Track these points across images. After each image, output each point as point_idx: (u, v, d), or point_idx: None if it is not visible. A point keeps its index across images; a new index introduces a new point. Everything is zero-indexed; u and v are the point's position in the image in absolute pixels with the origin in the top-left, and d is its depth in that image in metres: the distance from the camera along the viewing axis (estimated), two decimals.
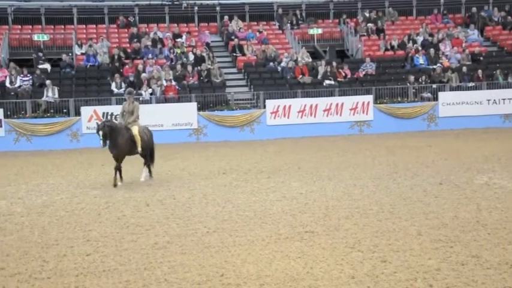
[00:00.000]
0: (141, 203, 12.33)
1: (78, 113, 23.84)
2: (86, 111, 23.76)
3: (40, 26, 30.17)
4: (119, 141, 14.35)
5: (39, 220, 11.04)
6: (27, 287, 7.39)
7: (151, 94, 25.13)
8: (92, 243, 9.27)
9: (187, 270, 7.81)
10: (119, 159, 14.53)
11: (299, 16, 32.45)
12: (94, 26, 31.08)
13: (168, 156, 20.28)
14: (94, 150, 22.20)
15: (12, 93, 24.36)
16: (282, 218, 10.58)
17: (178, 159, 19.56)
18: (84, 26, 30.91)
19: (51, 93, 24.35)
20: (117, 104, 24.25)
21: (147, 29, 30.48)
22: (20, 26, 29.93)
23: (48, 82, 24.63)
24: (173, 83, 25.76)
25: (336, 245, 8.78)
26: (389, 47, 30.03)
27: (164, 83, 25.64)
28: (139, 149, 14.72)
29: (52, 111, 23.99)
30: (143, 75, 25.88)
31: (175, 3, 32.54)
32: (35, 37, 28.29)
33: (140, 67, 26.47)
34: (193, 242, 9.20)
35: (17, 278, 7.70)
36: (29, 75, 25.19)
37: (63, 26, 30.45)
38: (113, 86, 25.44)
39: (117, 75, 25.68)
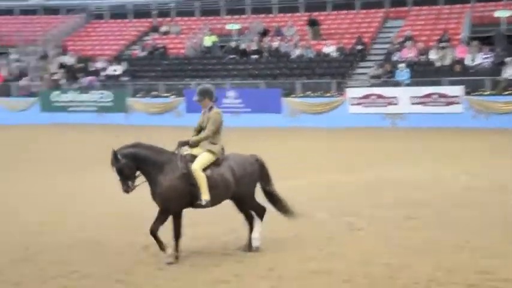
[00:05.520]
0: None
1: None
2: None
3: (502, 3, 29.48)
4: (161, 182, 7.97)
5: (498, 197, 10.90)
6: None
7: None
8: None
9: None
10: (163, 213, 8.02)
11: None
12: None
13: None
14: None
15: (472, 71, 24.56)
16: None
17: None
18: None
19: (510, 71, 23.69)
20: None
21: None
22: (482, 3, 29.80)
23: (508, 59, 24.01)
24: None
25: None
26: None
27: None
28: (204, 198, 8.01)
29: (511, 88, 23.36)
30: None
31: None
32: (496, 14, 27.80)
33: None
34: None
35: None
36: (489, 52, 24.99)
37: None
38: None
39: None
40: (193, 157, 8.15)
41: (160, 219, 7.98)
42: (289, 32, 30.27)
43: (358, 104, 24.59)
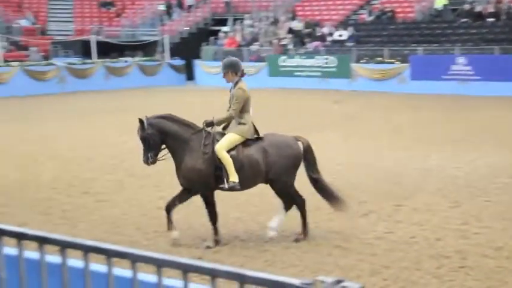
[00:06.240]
0: None
1: None
2: None
3: None
4: (186, 161, 7.48)
5: None
6: None
7: None
8: None
9: None
10: (184, 193, 7.66)
11: None
12: None
13: None
14: None
15: None
16: None
17: None
18: None
19: None
20: None
21: None
22: None
23: None
24: None
25: None
26: None
27: None
28: (232, 179, 7.36)
29: None
30: None
31: None
32: None
33: None
34: None
35: None
36: None
37: None
38: None
39: None
40: (215, 139, 7.50)
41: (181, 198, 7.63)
42: None
43: None
